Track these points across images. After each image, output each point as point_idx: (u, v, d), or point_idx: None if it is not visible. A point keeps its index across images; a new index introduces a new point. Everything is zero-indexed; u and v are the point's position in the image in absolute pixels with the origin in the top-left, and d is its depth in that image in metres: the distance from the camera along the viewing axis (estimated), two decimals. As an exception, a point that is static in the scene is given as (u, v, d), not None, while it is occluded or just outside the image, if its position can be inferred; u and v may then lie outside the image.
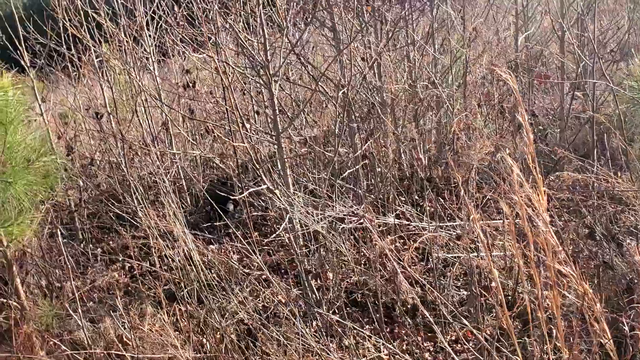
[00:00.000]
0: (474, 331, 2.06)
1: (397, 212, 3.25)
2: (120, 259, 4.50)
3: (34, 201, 3.01)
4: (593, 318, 1.26)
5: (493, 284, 2.50)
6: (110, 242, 5.44)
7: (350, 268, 3.23)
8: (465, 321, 2.84)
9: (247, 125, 3.08)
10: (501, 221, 2.64)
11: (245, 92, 3.82)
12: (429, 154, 2.82)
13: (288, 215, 2.92)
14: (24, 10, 5.39)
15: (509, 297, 3.02)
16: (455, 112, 2.35)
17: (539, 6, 4.68)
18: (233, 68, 2.93)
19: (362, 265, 3.26)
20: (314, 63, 4.38)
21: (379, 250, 2.89)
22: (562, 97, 4.22)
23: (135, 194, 4.74)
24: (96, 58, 5.29)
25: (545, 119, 4.82)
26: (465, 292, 3.19)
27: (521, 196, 1.35)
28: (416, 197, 4.68)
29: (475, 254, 2.73)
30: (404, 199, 4.40)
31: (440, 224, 3.11)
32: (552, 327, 1.43)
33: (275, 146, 4.07)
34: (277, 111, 2.97)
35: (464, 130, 2.43)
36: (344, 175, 3.63)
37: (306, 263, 3.10)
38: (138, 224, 4.90)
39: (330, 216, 2.74)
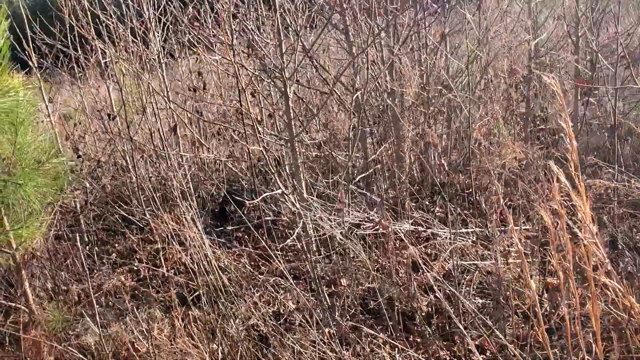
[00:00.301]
0: (508, 344, 2.01)
1: (413, 218, 3.20)
2: (132, 263, 4.44)
3: (43, 203, 2.97)
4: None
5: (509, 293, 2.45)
6: (116, 245, 5.39)
7: (364, 275, 3.17)
8: (481, 330, 2.79)
9: (260, 128, 3.03)
10: (534, 229, 2.58)
11: (256, 94, 3.77)
12: (450, 160, 2.77)
13: (302, 220, 2.87)
14: (28, 9, 5.35)
15: (527, 307, 2.96)
16: (478, 117, 2.30)
17: (552, 11, 4.63)
18: (249, 71, 2.89)
19: (376, 272, 3.20)
20: (323, 65, 4.33)
21: (395, 258, 2.84)
22: (576, 103, 4.18)
23: (142, 196, 4.70)
24: (103, 59, 5.25)
25: (558, 125, 4.76)
26: (480, 300, 3.13)
27: (560, 204, 1.30)
28: (427, 203, 4.63)
29: (497, 261, 2.67)
30: (414, 204, 4.35)
31: (460, 231, 3.05)
32: (591, 342, 1.38)
33: (285, 149, 4.03)
34: (291, 115, 2.92)
35: (485, 135, 2.38)
36: (356, 180, 3.58)
37: (319, 269, 3.05)
38: (143, 227, 4.88)
39: (346, 222, 2.69)
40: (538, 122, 5.33)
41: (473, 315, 2.41)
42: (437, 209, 4.72)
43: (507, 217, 1.41)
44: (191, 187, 5.29)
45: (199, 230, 2.40)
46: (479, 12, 3.64)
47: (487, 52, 3.67)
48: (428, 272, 2.46)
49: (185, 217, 2.44)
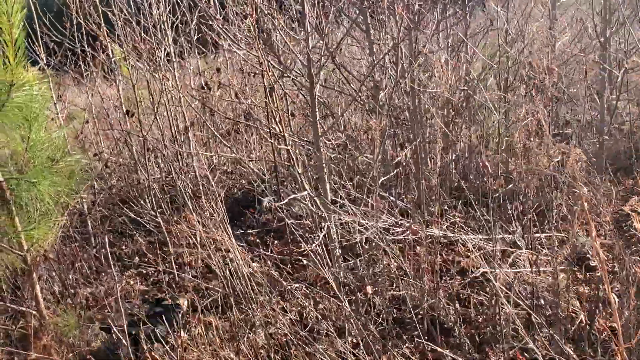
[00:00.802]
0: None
1: (444, 224, 3.07)
2: (142, 265, 4.31)
3: (57, 203, 2.84)
4: None
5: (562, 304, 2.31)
6: (124, 247, 5.25)
7: (390, 281, 3.04)
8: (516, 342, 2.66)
9: (283, 128, 2.89)
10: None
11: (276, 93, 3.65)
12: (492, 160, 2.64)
13: (327, 224, 2.74)
14: (34, 8, 5.24)
15: (562, 316, 2.84)
16: (522, 116, 2.19)
17: (576, 11, 4.52)
18: (276, 67, 2.76)
19: (402, 278, 3.07)
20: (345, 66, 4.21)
21: (427, 264, 2.71)
22: (602, 107, 4.05)
23: (152, 195, 4.57)
24: (112, 56, 5.14)
25: (581, 128, 4.65)
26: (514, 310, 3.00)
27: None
28: (446, 208, 4.50)
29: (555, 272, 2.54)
30: (432, 208, 4.22)
31: (501, 237, 2.93)
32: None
33: (299, 149, 3.90)
34: (317, 114, 2.80)
35: (527, 136, 2.26)
36: (379, 183, 3.45)
37: (343, 276, 2.92)
38: (152, 229, 4.74)
39: (375, 227, 2.56)
40: (553, 127, 5.21)
41: (513, 325, 2.27)
42: (457, 214, 4.59)
43: (590, 224, 1.28)
44: (200, 188, 5.17)
45: (227, 234, 2.28)
46: (507, 11, 3.53)
47: (517, 51, 3.56)
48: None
49: (212, 220, 2.30)
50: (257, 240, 4.79)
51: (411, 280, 2.71)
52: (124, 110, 4.07)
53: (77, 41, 5.42)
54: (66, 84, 6.69)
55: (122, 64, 5.24)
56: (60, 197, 2.78)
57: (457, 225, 3.81)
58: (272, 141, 2.57)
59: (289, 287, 2.59)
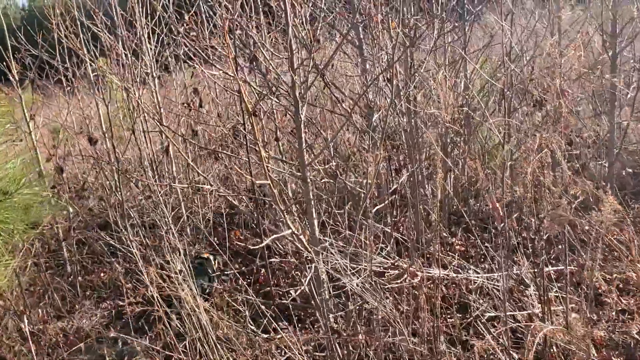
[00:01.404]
0: None
1: (448, 259, 2.78)
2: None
3: (9, 241, 2.52)
4: None
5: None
6: (102, 274, 4.92)
7: (385, 326, 2.74)
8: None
9: (265, 154, 2.60)
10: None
11: (258, 114, 3.35)
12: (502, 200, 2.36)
13: (314, 264, 2.44)
14: (20, 22, 4.96)
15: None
16: (536, 146, 1.91)
17: (582, 25, 4.27)
18: (254, 88, 2.48)
19: (397, 324, 2.76)
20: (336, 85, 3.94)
21: (425, 311, 2.41)
22: (612, 127, 3.78)
23: (128, 222, 4.27)
24: (92, 72, 4.85)
25: (585, 149, 4.37)
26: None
27: None
28: (444, 235, 4.22)
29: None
30: (430, 235, 3.94)
31: (513, 272, 2.64)
32: None
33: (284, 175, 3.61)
34: (303, 139, 2.50)
35: (540, 169, 1.97)
36: (372, 212, 3.15)
37: (332, 321, 2.61)
38: (130, 255, 4.42)
39: (368, 269, 2.26)
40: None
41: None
42: (456, 241, 4.31)
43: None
44: (184, 212, 4.85)
45: (191, 290, 1.97)
46: (511, 25, 3.27)
47: (520, 68, 3.29)
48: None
49: (176, 276, 1.99)
50: (243, 267, 4.48)
51: (408, 327, 2.40)
52: (89, 137, 3.75)
53: (58, 55, 5.15)
54: (49, 98, 6.37)
55: (105, 80, 4.95)
56: (13, 235, 2.46)
57: (457, 255, 3.52)
58: (251, 177, 2.27)
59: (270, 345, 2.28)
